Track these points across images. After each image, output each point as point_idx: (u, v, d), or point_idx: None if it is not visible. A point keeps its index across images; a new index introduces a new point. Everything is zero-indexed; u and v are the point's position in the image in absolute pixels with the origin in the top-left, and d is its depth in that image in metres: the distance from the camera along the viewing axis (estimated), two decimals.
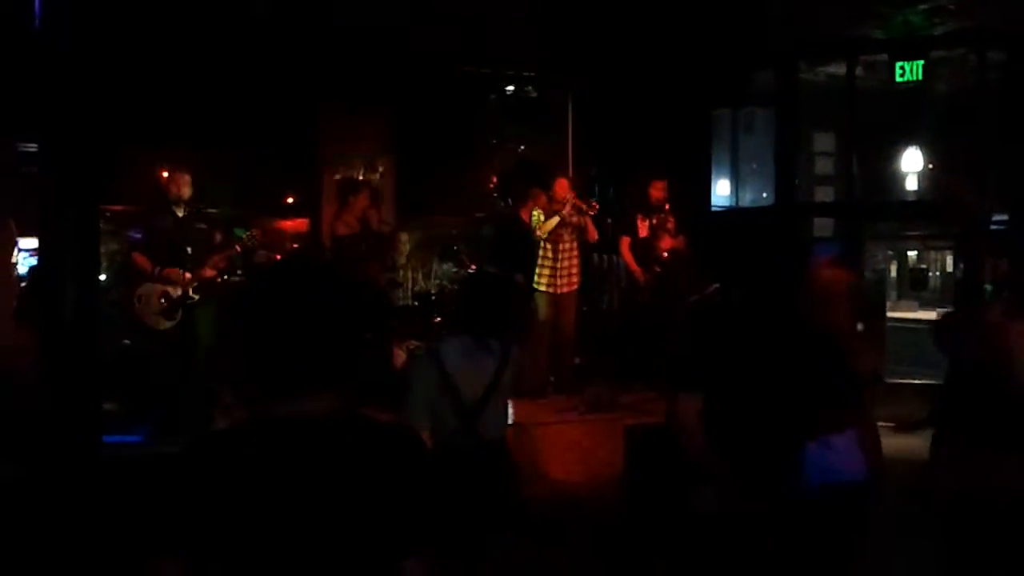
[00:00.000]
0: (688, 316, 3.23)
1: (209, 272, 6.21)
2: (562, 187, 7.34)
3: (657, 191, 7.42)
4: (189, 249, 6.17)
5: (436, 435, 3.18)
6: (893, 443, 7.54)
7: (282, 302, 1.55)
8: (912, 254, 16.24)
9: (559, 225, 7.27)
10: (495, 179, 9.96)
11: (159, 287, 6.12)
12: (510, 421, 3.76)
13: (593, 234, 7.30)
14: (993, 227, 8.09)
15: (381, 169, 9.16)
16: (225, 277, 6.52)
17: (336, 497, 1.48)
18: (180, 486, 1.50)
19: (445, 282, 8.71)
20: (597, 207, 7.30)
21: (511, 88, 9.51)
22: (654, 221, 7.41)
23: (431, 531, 1.55)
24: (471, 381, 3.29)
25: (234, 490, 1.46)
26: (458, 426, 3.24)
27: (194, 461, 1.52)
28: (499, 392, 3.36)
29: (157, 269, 6.11)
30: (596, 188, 9.27)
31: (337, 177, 8.70)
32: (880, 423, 6.74)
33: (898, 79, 7.98)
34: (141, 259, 6.17)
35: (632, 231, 7.50)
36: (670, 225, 7.41)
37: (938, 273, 16.19)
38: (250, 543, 1.45)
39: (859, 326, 6.93)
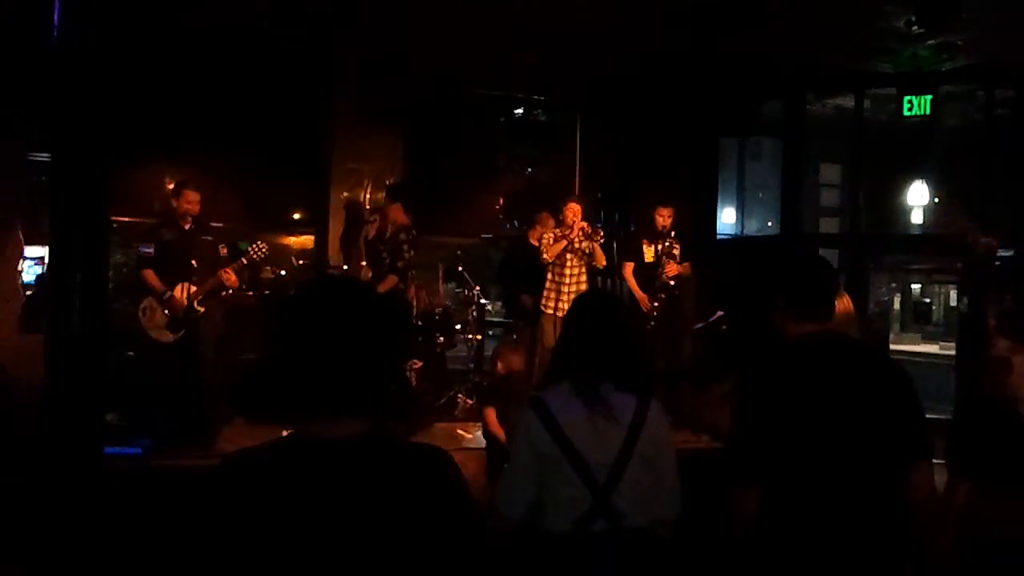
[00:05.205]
0: (740, 384, 2.58)
1: (231, 280, 6.18)
2: (572, 211, 7.30)
3: (663, 217, 7.36)
4: (195, 262, 6.16)
5: (553, 525, 2.36)
6: None
7: (328, 322, 1.54)
8: (916, 287, 16.26)
9: (566, 249, 7.25)
10: (502, 201, 9.99)
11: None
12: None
13: (601, 260, 7.26)
14: (998, 263, 8.13)
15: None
16: (231, 291, 6.51)
17: (369, 518, 1.48)
18: (215, 503, 1.50)
19: (449, 302, 8.72)
20: (603, 235, 7.26)
21: (520, 111, 9.55)
22: (659, 247, 7.36)
23: (463, 552, 1.54)
24: (598, 444, 2.37)
25: (268, 509, 1.46)
26: (590, 507, 2.35)
27: (231, 478, 1.52)
28: (640, 459, 2.40)
29: (167, 295, 6.12)
30: (602, 212, 9.28)
31: (345, 195, 8.71)
32: None
33: (906, 113, 8.00)
34: (152, 277, 6.17)
35: (637, 256, 7.46)
36: (676, 251, 7.36)
37: (941, 307, 16.20)
38: (283, 564, 1.45)
39: None
